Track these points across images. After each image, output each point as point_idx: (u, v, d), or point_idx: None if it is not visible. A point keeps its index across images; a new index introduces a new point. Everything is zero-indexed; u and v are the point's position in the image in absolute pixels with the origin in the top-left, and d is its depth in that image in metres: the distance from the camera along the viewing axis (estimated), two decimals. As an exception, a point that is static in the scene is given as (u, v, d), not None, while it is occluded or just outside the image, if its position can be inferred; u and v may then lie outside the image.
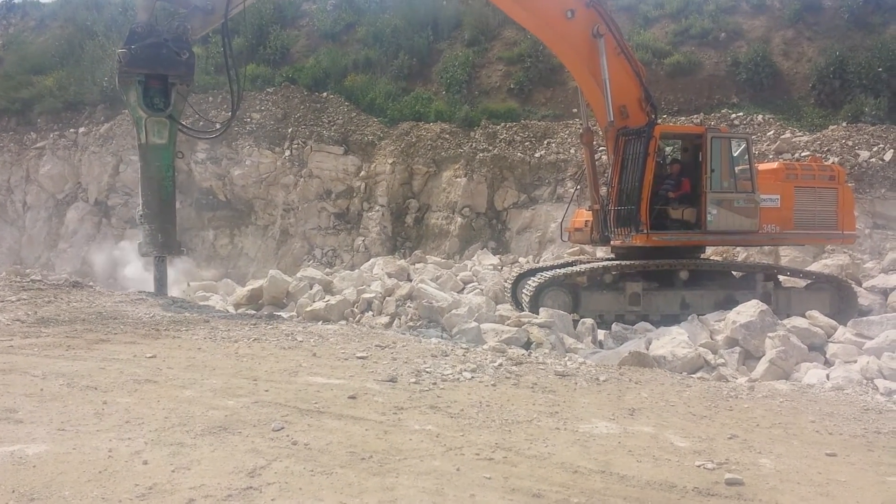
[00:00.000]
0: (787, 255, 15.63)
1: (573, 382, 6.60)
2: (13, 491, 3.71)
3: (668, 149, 13.79)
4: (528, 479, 4.16)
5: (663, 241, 12.29)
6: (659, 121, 13.03)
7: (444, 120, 22.22)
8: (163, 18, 12.43)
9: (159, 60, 10.86)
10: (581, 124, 14.97)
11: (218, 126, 19.76)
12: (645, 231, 12.00)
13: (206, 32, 12.62)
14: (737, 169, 12.53)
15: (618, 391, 6.40)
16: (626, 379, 6.93)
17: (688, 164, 12.96)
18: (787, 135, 19.00)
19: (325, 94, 23.40)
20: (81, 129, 23.96)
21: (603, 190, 13.49)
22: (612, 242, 12.92)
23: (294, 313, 12.98)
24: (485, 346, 8.54)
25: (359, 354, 7.18)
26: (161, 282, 11.50)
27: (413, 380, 6.25)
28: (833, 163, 16.30)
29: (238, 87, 12.25)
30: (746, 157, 12.61)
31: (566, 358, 8.25)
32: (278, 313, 12.14)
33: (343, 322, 11.54)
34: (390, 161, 21.35)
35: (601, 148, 15.80)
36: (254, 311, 12.98)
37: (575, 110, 20.12)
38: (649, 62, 21.42)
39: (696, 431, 5.27)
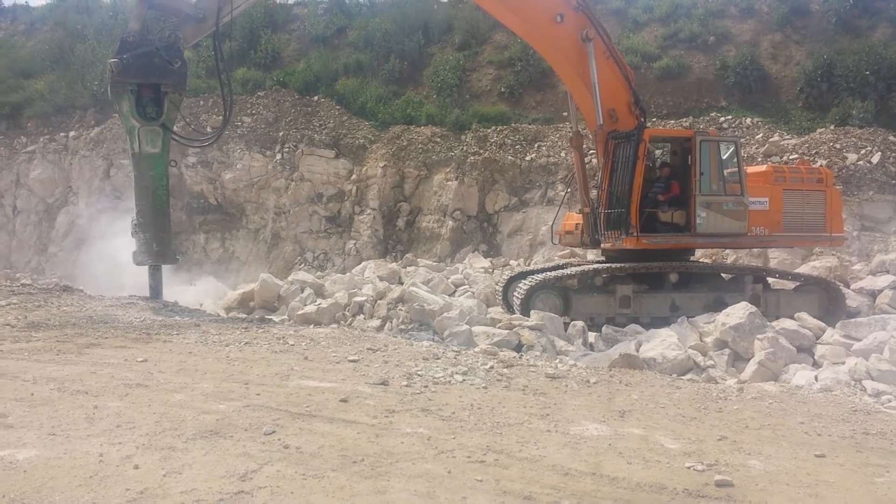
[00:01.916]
0: (776, 258, 15.73)
1: (564, 385, 6.62)
2: (3, 496, 3.70)
3: (657, 152, 13.86)
4: (520, 481, 4.18)
5: (653, 244, 12.34)
6: (648, 124, 13.08)
7: (435, 123, 22.26)
8: (154, 27, 12.36)
9: (151, 69, 10.81)
10: (571, 128, 15.02)
11: (210, 130, 19.74)
12: (635, 234, 12.05)
13: (198, 40, 12.61)
14: (726, 172, 12.60)
15: (608, 393, 6.42)
16: (616, 381, 6.96)
17: (677, 168, 13.03)
18: (776, 138, 19.12)
19: (316, 97, 23.40)
20: (72, 133, 23.85)
21: (593, 193, 13.54)
22: (602, 245, 12.96)
23: (285, 317, 12.96)
24: (476, 349, 8.55)
25: (350, 358, 7.18)
26: (156, 290, 11.46)
27: (404, 383, 6.26)
28: (821, 165, 16.42)
29: (230, 95, 12.20)
30: (735, 160, 12.69)
31: (557, 360, 8.27)
32: (270, 317, 12.13)
33: (334, 325, 11.53)
34: (381, 164, 21.36)
35: (591, 151, 15.86)
36: (245, 315, 12.96)
37: (565, 113, 20.16)
38: (638, 66, 21.52)
39: (685, 433, 5.30)
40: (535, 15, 12.54)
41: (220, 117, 20.51)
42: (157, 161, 11.20)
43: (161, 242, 11.34)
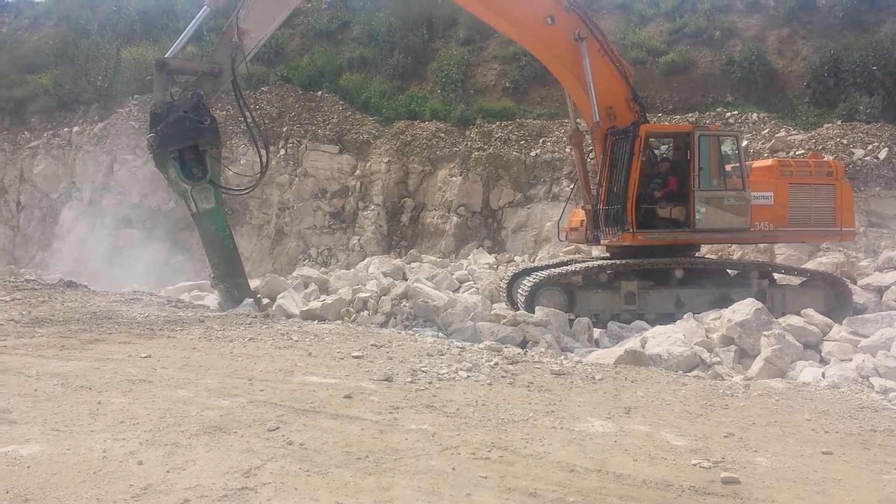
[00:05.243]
0: (783, 253, 15.65)
1: (569, 381, 6.59)
2: (7, 492, 3.70)
3: (662, 147, 13.79)
4: (525, 478, 4.16)
5: (650, 240, 12.27)
6: (653, 120, 12.99)
7: (440, 119, 22.21)
8: (175, 89, 12.50)
9: (186, 133, 11.10)
10: (570, 126, 14.98)
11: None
12: (631, 230, 11.99)
13: (219, 93, 12.80)
14: (727, 166, 12.52)
15: (614, 390, 6.40)
16: (621, 378, 6.94)
17: (678, 163, 12.93)
18: (782, 133, 19.03)
19: (319, 92, 23.36)
20: (75, 129, 23.88)
21: (594, 189, 13.49)
22: (601, 242, 12.93)
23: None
24: (480, 346, 8.52)
25: (354, 354, 7.16)
26: None
27: (409, 379, 6.25)
28: (831, 159, 16.31)
29: (264, 140, 12.44)
30: (737, 154, 12.61)
31: (562, 357, 8.25)
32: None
33: (339, 321, 11.50)
34: (385, 160, 21.33)
35: (591, 148, 15.78)
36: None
37: (568, 109, 20.15)
38: (644, 61, 21.43)
39: (692, 430, 5.28)
40: (526, 18, 12.40)
41: (226, 108, 20.59)
42: (215, 215, 11.64)
43: (241, 288, 11.89)
